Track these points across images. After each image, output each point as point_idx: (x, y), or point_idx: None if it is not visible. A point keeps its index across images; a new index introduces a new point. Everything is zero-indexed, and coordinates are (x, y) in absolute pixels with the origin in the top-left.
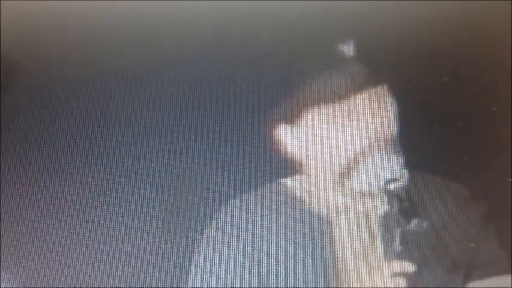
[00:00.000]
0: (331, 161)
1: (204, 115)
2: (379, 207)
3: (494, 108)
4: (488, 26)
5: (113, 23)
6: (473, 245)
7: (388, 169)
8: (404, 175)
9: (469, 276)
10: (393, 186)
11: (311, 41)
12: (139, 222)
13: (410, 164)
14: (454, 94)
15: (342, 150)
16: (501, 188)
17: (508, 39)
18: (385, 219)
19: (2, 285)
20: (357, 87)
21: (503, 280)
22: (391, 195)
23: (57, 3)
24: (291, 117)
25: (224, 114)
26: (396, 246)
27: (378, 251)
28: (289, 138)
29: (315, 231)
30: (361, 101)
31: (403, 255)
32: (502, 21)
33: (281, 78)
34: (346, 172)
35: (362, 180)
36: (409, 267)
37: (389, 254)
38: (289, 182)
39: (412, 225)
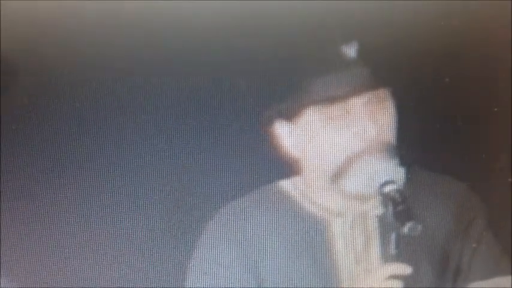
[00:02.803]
0: (328, 163)
1: (203, 117)
2: (376, 209)
3: (496, 109)
4: (488, 26)
5: (113, 24)
6: (474, 246)
7: (385, 171)
8: (402, 177)
9: (469, 277)
10: (390, 188)
11: (311, 41)
12: (138, 224)
13: (410, 166)
14: (455, 94)
15: (339, 152)
16: (501, 188)
17: (508, 39)
18: (382, 222)
19: (2, 285)
20: (357, 88)
21: (503, 280)
22: (388, 198)
23: (58, 3)
24: (290, 119)
25: (224, 116)
26: (393, 249)
27: (374, 253)
28: (288, 140)
29: (311, 234)
30: (360, 102)
31: (401, 257)
32: (502, 21)
33: (283, 79)
34: (343, 174)
35: (359, 182)
36: (407, 269)
37: (387, 257)
38: (287, 184)
39: (408, 228)
